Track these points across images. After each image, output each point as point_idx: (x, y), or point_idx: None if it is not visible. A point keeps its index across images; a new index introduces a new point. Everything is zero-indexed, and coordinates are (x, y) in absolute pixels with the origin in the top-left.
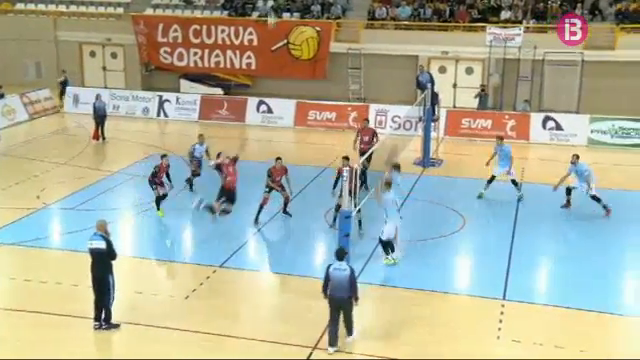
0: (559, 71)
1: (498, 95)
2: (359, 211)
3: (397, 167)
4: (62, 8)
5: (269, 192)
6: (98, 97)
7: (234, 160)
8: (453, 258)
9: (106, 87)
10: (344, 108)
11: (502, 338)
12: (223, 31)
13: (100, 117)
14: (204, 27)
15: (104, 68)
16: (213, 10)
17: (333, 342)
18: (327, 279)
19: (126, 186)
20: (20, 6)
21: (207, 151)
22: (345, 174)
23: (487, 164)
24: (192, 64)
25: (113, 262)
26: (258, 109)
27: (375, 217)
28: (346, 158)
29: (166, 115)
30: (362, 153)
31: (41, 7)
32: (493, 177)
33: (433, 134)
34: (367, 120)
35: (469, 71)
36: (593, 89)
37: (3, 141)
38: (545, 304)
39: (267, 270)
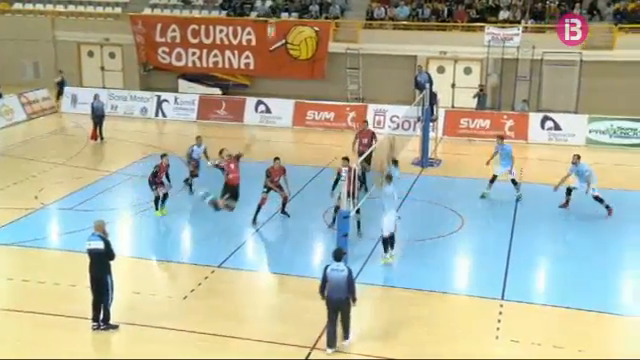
0: (557, 71)
1: (496, 95)
2: (358, 212)
3: (395, 162)
4: (60, 8)
5: (267, 192)
6: (96, 97)
7: (236, 157)
8: (452, 258)
9: (104, 87)
10: (342, 108)
11: (501, 338)
12: (221, 31)
13: (98, 117)
14: (202, 27)
15: (102, 68)
16: (211, 10)
17: (332, 343)
18: (324, 280)
19: (124, 186)
20: (18, 6)
21: (205, 152)
22: (344, 174)
23: (487, 163)
24: (190, 64)
25: (111, 262)
26: (256, 109)
27: (374, 217)
28: (346, 159)
29: (164, 115)
30: (361, 155)
31: (39, 7)
32: (495, 177)
33: (432, 134)
34: (366, 122)
35: (467, 71)
36: (591, 89)
37: (1, 141)
38: (544, 304)
39: (265, 270)
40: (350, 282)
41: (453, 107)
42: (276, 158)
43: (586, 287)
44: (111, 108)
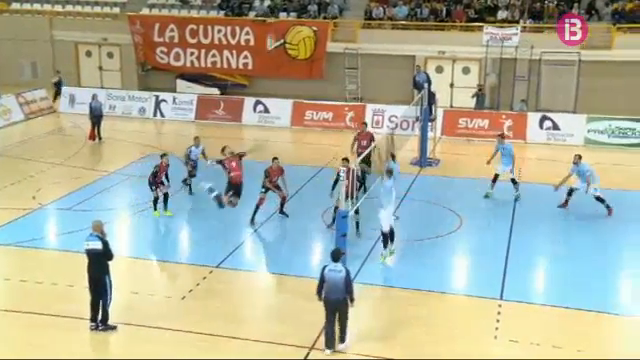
0: (556, 71)
1: (495, 95)
2: (357, 212)
3: (393, 156)
4: (58, 8)
5: (265, 192)
6: (94, 97)
7: (239, 156)
8: (450, 258)
9: (102, 87)
10: (341, 108)
11: (499, 338)
12: (220, 31)
13: (96, 117)
14: (201, 27)
15: (100, 68)
16: (210, 10)
17: (330, 344)
18: (322, 281)
19: (122, 186)
20: (16, 6)
21: (203, 153)
22: (342, 174)
23: (488, 163)
24: (189, 64)
25: (110, 263)
26: (255, 109)
27: (372, 217)
28: (346, 160)
29: (162, 115)
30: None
31: (37, 7)
32: (497, 176)
33: (430, 134)
34: (365, 124)
35: (466, 71)
36: (590, 89)
37: None
38: (542, 304)
39: (264, 270)
40: (348, 283)
41: (452, 107)
42: (274, 158)
43: (585, 287)
44: (109, 108)
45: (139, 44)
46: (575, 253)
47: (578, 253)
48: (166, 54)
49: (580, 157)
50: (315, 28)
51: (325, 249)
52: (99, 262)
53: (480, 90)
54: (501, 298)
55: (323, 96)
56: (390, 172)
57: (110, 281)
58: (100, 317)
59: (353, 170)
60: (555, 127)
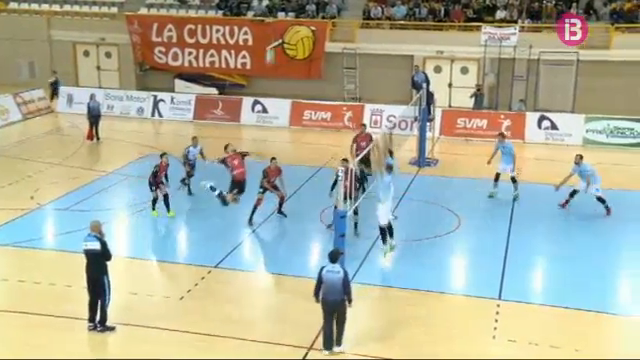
0: (554, 71)
1: (493, 95)
2: (356, 213)
3: (391, 153)
4: (56, 7)
5: (263, 192)
6: (92, 97)
7: (241, 154)
8: (449, 258)
9: (100, 87)
10: (339, 108)
11: (498, 338)
12: (218, 31)
13: (94, 117)
14: (199, 27)
15: (98, 68)
16: (208, 10)
17: (328, 345)
18: (320, 282)
19: (120, 186)
20: (13, 5)
21: (202, 152)
22: (340, 174)
23: (489, 163)
24: (187, 64)
25: (108, 263)
26: (253, 109)
27: (371, 218)
28: (345, 160)
29: (161, 115)
30: (361, 159)
31: (34, 6)
32: (498, 175)
33: (428, 134)
34: (364, 125)
35: (464, 71)
36: (588, 89)
37: None
38: (541, 304)
39: (262, 270)
40: (346, 284)
41: (450, 107)
42: (272, 158)
43: (584, 287)
44: (107, 108)
45: (137, 44)
46: (574, 253)
47: (577, 253)
48: (164, 54)
49: (581, 157)
50: (313, 28)
51: (323, 249)
52: (97, 262)
53: (479, 90)
54: (499, 298)
55: (321, 96)
56: (390, 167)
57: (108, 281)
58: (99, 318)
59: (352, 170)
60: (553, 127)
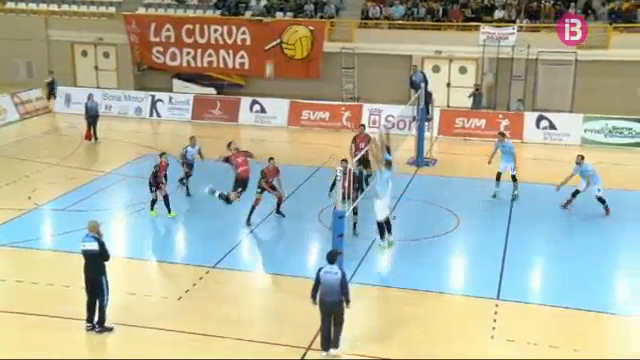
0: (552, 70)
1: (492, 94)
2: (356, 213)
3: (388, 149)
4: (53, 7)
5: (261, 193)
6: (90, 97)
7: (245, 153)
8: (447, 258)
9: (98, 87)
10: (338, 108)
11: (496, 338)
12: (216, 30)
13: (92, 117)
14: (197, 26)
15: (96, 68)
16: (206, 9)
17: (327, 346)
18: (317, 283)
19: (118, 186)
20: (11, 5)
21: (200, 152)
22: (338, 174)
23: (489, 162)
24: (185, 64)
25: (106, 263)
26: (251, 109)
27: (370, 218)
28: (344, 161)
29: (159, 115)
30: (360, 159)
31: (32, 6)
32: (499, 174)
33: (427, 134)
34: (363, 126)
35: (463, 70)
36: (586, 88)
37: None
38: (539, 304)
39: (260, 270)
40: (344, 285)
41: (448, 106)
42: (270, 158)
43: (582, 287)
44: (105, 108)
45: (135, 44)
46: (572, 253)
47: (575, 253)
48: (162, 54)
49: (583, 157)
50: (312, 28)
51: (322, 249)
52: (95, 263)
53: (477, 90)
54: (498, 298)
55: (320, 96)
56: (389, 163)
57: (107, 282)
58: (97, 319)
59: (351, 170)
60: (552, 127)
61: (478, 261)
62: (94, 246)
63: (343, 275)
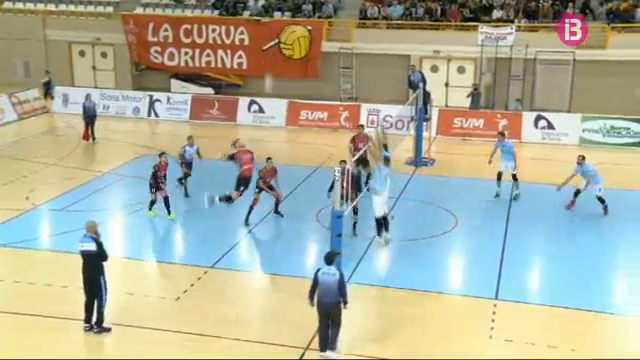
0: (551, 70)
1: (490, 94)
2: (356, 213)
3: (385, 147)
4: (51, 7)
5: (259, 193)
6: (88, 97)
7: (249, 152)
8: (445, 258)
9: (96, 87)
10: (336, 108)
11: (494, 338)
12: (214, 30)
13: (90, 117)
14: (195, 26)
15: (94, 68)
16: (204, 9)
17: (325, 347)
18: (315, 284)
19: (116, 186)
20: (8, 5)
21: (198, 152)
22: (337, 174)
23: (490, 162)
24: (183, 64)
25: (104, 264)
26: (249, 109)
27: (369, 218)
28: (343, 162)
29: (157, 115)
30: (358, 160)
31: (30, 6)
32: (500, 174)
33: (425, 133)
34: (362, 126)
35: (461, 70)
36: (585, 88)
37: None
38: (538, 304)
39: (259, 271)
40: (342, 286)
41: (447, 106)
42: (268, 158)
43: (581, 287)
44: (103, 108)
45: (133, 44)
46: (571, 253)
47: (574, 253)
48: (160, 54)
49: (584, 157)
50: (310, 27)
51: (320, 249)
52: (94, 263)
53: (475, 89)
54: (496, 298)
55: (318, 96)
56: (387, 160)
57: (105, 282)
58: (95, 319)
59: (349, 170)
60: (550, 126)
61: (476, 261)
62: (92, 246)
63: (341, 276)
